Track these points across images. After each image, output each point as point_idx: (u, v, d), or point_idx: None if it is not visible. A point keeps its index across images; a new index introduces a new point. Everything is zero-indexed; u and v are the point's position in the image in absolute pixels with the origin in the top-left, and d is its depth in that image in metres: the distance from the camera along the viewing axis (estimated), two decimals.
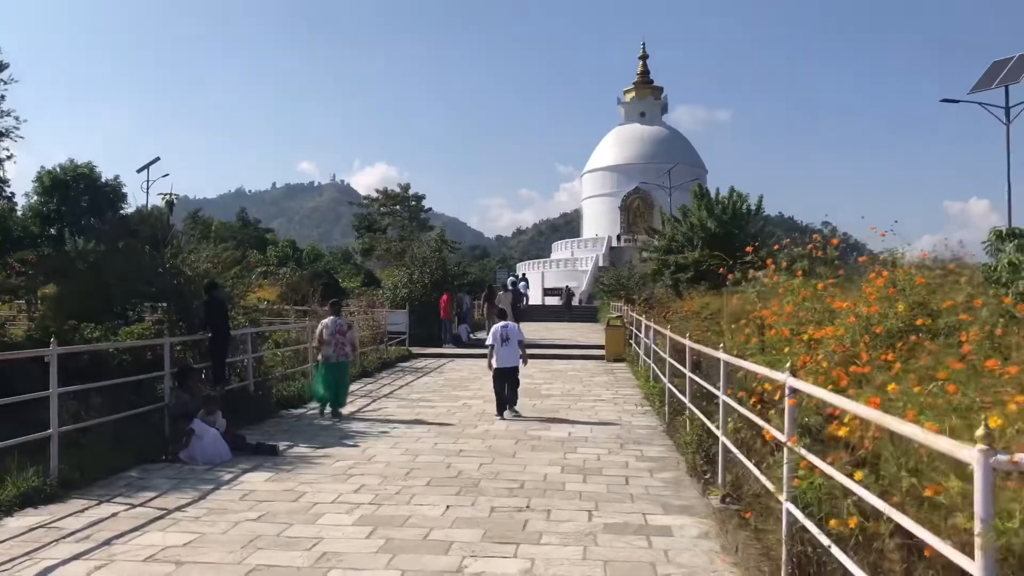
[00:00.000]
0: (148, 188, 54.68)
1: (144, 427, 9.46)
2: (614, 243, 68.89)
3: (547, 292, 52.94)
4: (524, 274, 55.72)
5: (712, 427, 7.69)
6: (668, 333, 11.81)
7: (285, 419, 12.05)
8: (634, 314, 21.38)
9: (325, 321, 12.57)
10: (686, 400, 9.61)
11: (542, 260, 74.53)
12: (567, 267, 65.33)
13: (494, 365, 12.36)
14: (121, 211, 61.81)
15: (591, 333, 32.29)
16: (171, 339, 10.43)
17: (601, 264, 62.28)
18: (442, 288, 25.66)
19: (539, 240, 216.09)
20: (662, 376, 12.41)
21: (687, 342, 9.75)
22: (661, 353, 12.75)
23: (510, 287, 38.06)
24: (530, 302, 34.60)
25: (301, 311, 22.45)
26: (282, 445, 9.77)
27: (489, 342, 12.78)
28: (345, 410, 12.66)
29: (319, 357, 12.35)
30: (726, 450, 7.03)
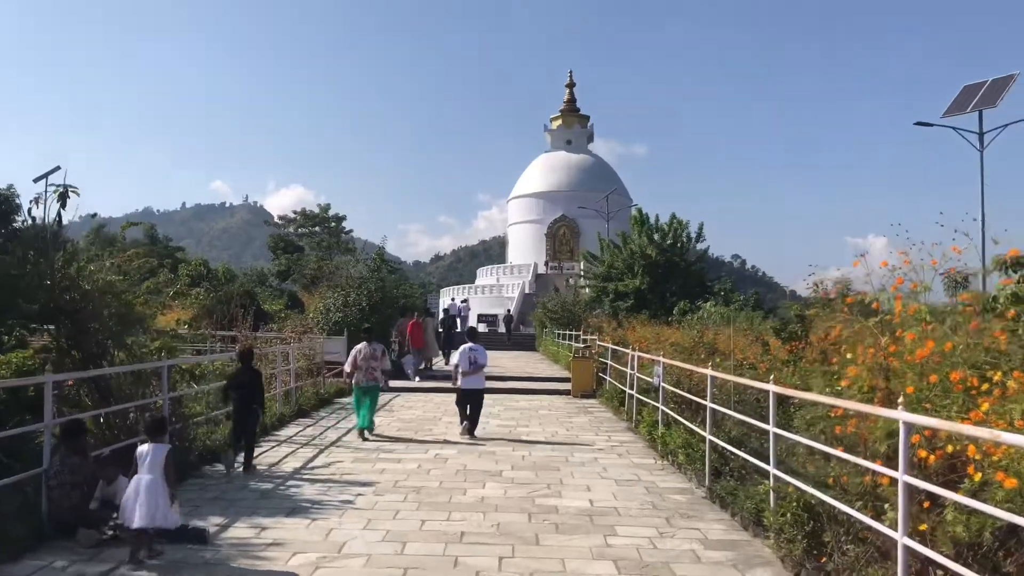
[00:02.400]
0: (47, 200, 50.07)
1: (17, 500, 6.64)
2: (540, 270, 67.57)
3: (480, 319, 50.48)
4: (466, 299, 53.01)
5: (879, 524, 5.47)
6: (721, 375, 9.56)
7: (210, 478, 9.26)
8: (606, 343, 19.19)
9: (359, 347, 12.86)
10: (770, 468, 7.39)
11: (466, 286, 72.44)
12: (493, 293, 63.41)
13: (459, 386, 12.78)
14: (14, 224, 56.71)
15: (537, 363, 30.05)
16: (55, 376, 7.61)
17: (528, 291, 60.67)
18: (381, 312, 22.95)
19: (457, 267, 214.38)
20: (688, 425, 10.20)
21: (771, 387, 7.53)
22: (695, 399, 10.55)
23: (441, 313, 35.49)
24: (469, 326, 32.18)
25: (230, 336, 19.37)
26: (212, 524, 7.08)
27: (455, 361, 13.25)
28: (289, 465, 9.99)
29: (351, 381, 12.84)
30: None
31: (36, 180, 35.79)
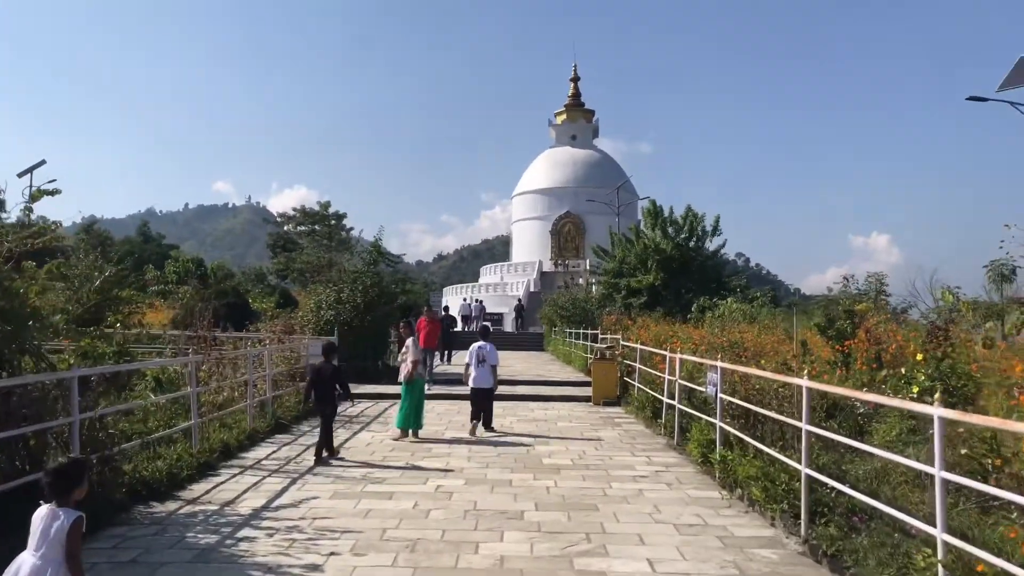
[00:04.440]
0: (32, 197, 47.93)
1: None
2: (546, 267, 65.43)
3: (484, 317, 48.19)
4: (480, 301, 50.43)
5: None
6: (824, 387, 7.22)
7: (137, 525, 6.95)
8: (631, 343, 16.85)
9: (411, 340, 12.36)
10: (936, 532, 5.05)
11: (469, 284, 70.26)
12: (497, 292, 61.19)
13: (469, 384, 12.75)
14: None
15: (548, 364, 27.74)
16: None
17: (533, 289, 58.51)
18: (377, 309, 20.63)
19: (460, 266, 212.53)
20: (772, 452, 7.89)
21: (937, 410, 5.10)
22: (776, 416, 8.23)
23: (442, 312, 32.96)
24: (482, 324, 29.85)
25: (193, 337, 17.00)
26: None
27: (466, 360, 13.11)
28: (248, 504, 7.71)
29: (403, 379, 12.11)
30: None
31: (21, 175, 32.68)
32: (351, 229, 77.52)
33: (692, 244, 41.48)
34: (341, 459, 10.21)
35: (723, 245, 42.67)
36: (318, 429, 12.69)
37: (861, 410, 11.21)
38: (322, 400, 10.36)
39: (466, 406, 15.51)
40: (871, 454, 6.58)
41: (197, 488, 8.37)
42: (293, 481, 8.81)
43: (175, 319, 26.92)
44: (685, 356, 11.87)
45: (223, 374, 11.99)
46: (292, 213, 77.55)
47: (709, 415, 10.30)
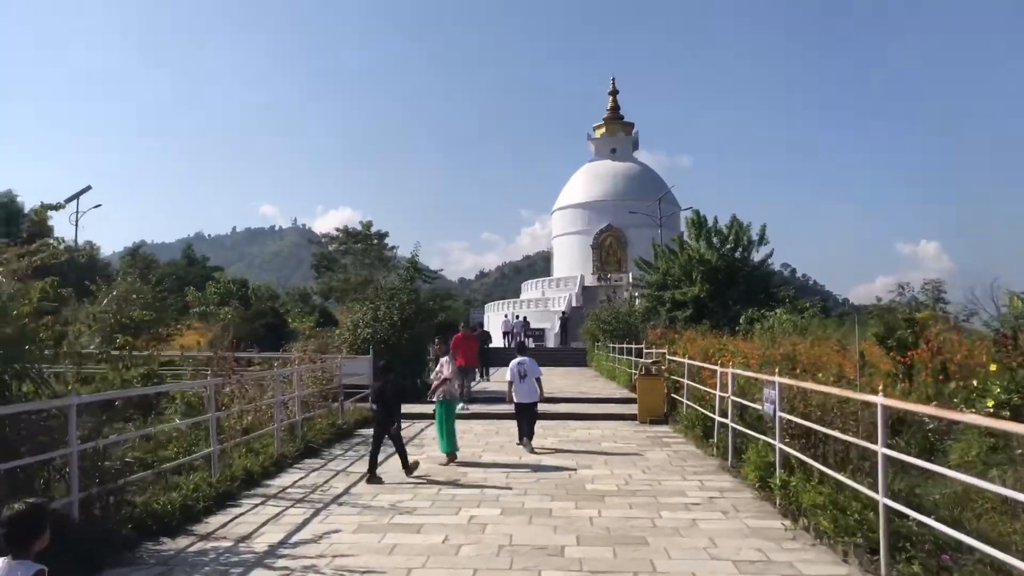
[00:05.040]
0: (78, 221, 48.59)
1: None
2: (588, 281, 64.57)
3: (526, 333, 47.53)
4: (526, 317, 49.66)
5: None
6: (913, 407, 6.50)
7: (144, 565, 6.39)
8: (678, 358, 16.00)
9: (445, 358, 11.93)
10: None
11: (510, 300, 69.67)
12: (538, 307, 60.47)
13: (514, 400, 12.85)
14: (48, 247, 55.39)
15: (591, 381, 26.93)
16: None
17: (575, 304, 57.67)
18: (414, 326, 20.07)
19: (502, 282, 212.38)
20: (843, 479, 7.06)
21: None
22: (846, 438, 7.38)
23: (477, 328, 32.32)
24: (518, 340, 29.17)
25: (214, 359, 16.53)
26: None
27: (508, 378, 13.13)
28: (264, 540, 7.11)
29: (438, 398, 11.58)
30: None
31: (68, 200, 33.21)
32: (393, 248, 77.68)
33: (738, 254, 40.34)
34: (418, 477, 10.00)
35: (771, 255, 41.42)
36: (350, 452, 12.24)
37: (931, 426, 10.30)
38: (391, 421, 10.34)
39: (505, 426, 14.90)
40: (944, 475, 5.80)
41: (213, 521, 7.81)
42: (317, 512, 8.20)
43: (213, 340, 26.78)
44: (737, 371, 11.02)
45: (248, 396, 11.48)
46: (335, 233, 77.90)
47: (766, 435, 9.49)
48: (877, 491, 5.92)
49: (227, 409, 10.35)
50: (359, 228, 77.23)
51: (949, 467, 7.88)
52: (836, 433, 7.42)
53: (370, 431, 14.47)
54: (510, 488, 9.30)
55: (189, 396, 12.59)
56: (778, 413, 8.45)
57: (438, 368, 11.87)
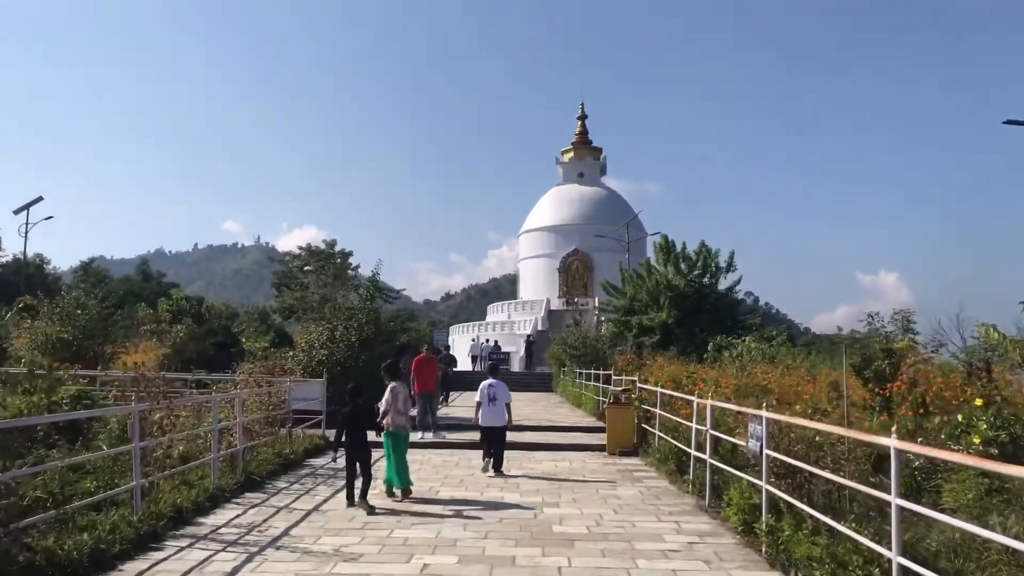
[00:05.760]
0: (27, 232, 46.74)
1: None
2: (553, 305, 64.07)
3: (490, 356, 46.59)
4: (496, 341, 48.77)
5: None
6: (939, 453, 5.74)
7: None
8: (649, 387, 15.26)
9: (396, 385, 10.82)
10: None
11: (476, 323, 68.85)
12: (504, 330, 59.69)
13: (480, 423, 12.63)
14: None
15: (557, 407, 26.14)
16: None
17: (540, 327, 57.01)
18: (373, 348, 19.09)
19: (468, 305, 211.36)
20: (851, 534, 6.31)
21: None
22: (860, 488, 6.63)
23: (441, 351, 31.45)
24: (490, 362, 28.13)
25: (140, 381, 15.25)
26: None
27: (476, 399, 12.82)
28: None
29: (389, 427, 10.55)
30: None
31: (17, 211, 31.85)
32: (358, 267, 76.44)
33: (706, 280, 40.02)
34: (372, 515, 9.13)
35: (738, 282, 41.17)
36: (296, 486, 11.26)
37: (917, 464, 9.68)
38: (361, 446, 9.87)
39: (467, 456, 14.03)
40: (936, 520, 5.12)
41: (129, 568, 6.81)
42: (250, 558, 7.23)
43: (161, 360, 25.51)
44: (718, 403, 10.29)
45: (180, 423, 10.45)
46: (297, 252, 76.48)
47: (747, 472, 8.76)
48: (886, 545, 5.19)
49: (156, 437, 9.29)
50: (322, 247, 76.03)
51: (943, 510, 7.23)
52: (843, 480, 6.69)
53: (320, 461, 13.58)
54: (470, 530, 8.42)
55: (124, 421, 11.56)
56: (765, 451, 7.70)
57: (386, 396, 10.95)
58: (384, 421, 10.52)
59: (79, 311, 23.53)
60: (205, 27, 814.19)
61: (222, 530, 8.38)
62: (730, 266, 40.40)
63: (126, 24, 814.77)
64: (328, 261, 74.03)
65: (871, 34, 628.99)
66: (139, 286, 60.56)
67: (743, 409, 9.03)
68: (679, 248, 40.71)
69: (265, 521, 8.82)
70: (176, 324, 34.42)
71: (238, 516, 9.07)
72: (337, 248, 75.86)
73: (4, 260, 52.44)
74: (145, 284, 62.06)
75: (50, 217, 46.55)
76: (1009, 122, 20.20)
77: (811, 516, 6.86)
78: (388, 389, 10.85)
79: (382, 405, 10.71)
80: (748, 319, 43.64)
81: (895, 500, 5.09)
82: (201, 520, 8.76)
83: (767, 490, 7.65)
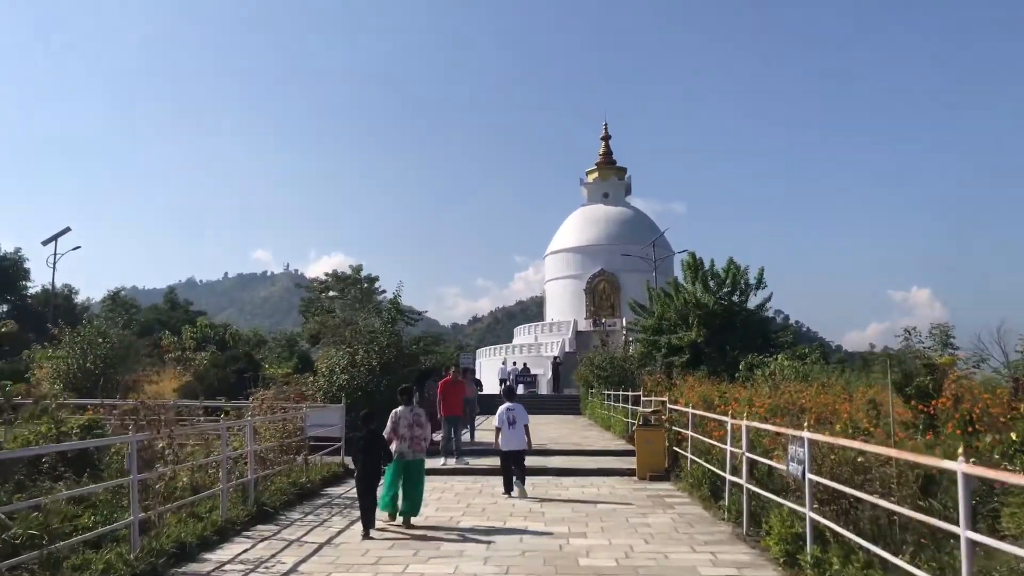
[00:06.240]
0: (55, 263, 47.18)
1: None
2: (581, 326, 63.42)
3: (518, 379, 46.10)
4: (525, 364, 48.98)
5: None
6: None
7: None
8: (680, 407, 14.63)
9: (399, 410, 10.65)
10: None
11: (503, 346, 68.36)
12: (531, 352, 59.14)
13: (501, 448, 12.50)
14: (24, 289, 53.87)
15: (585, 431, 25.49)
16: None
17: (568, 349, 56.38)
18: (395, 372, 18.61)
19: (495, 327, 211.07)
20: (875, 550, 5.67)
21: None
22: (918, 518, 6.01)
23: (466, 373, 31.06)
24: (506, 385, 27.45)
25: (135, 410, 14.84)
26: None
27: (496, 424, 12.77)
28: None
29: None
30: None
31: (45, 243, 31.92)
32: (384, 292, 76.42)
33: (735, 298, 39.24)
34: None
35: (769, 299, 40.25)
36: (310, 517, 10.77)
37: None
38: (376, 475, 9.84)
39: (490, 483, 13.48)
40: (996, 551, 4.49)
41: None
42: None
43: (184, 387, 25.28)
44: (754, 423, 9.66)
45: (185, 453, 10.01)
46: (324, 278, 76.71)
47: (786, 496, 8.13)
48: None
49: (159, 468, 8.83)
50: (348, 273, 76.14)
51: (1004, 538, 6.56)
52: (899, 508, 6.03)
53: (339, 490, 13.09)
54: (491, 565, 7.85)
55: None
56: (807, 475, 7.08)
57: (391, 422, 10.70)
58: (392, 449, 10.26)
59: (101, 340, 23.42)
60: (233, 55, 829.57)
61: (227, 567, 7.89)
62: (760, 283, 39.55)
63: (154, 56, 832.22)
64: (354, 286, 74.16)
65: (897, 38, 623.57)
66: (167, 315, 60.83)
67: (782, 430, 8.39)
68: (707, 266, 40.01)
69: (274, 556, 8.32)
70: (200, 351, 34.36)
71: (246, 551, 8.58)
72: (363, 273, 76.06)
73: (33, 291, 53.08)
74: (173, 313, 62.30)
75: (78, 247, 46.75)
76: None
77: (861, 546, 6.22)
78: (393, 414, 10.66)
79: (388, 431, 10.51)
80: (780, 337, 42.68)
81: (965, 532, 4.48)
82: (206, 556, 8.28)
83: (811, 518, 7.01)
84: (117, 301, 60.33)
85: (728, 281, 39.17)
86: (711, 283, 39.17)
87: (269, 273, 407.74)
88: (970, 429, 11.55)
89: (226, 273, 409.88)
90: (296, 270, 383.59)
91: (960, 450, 5.02)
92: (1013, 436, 9.98)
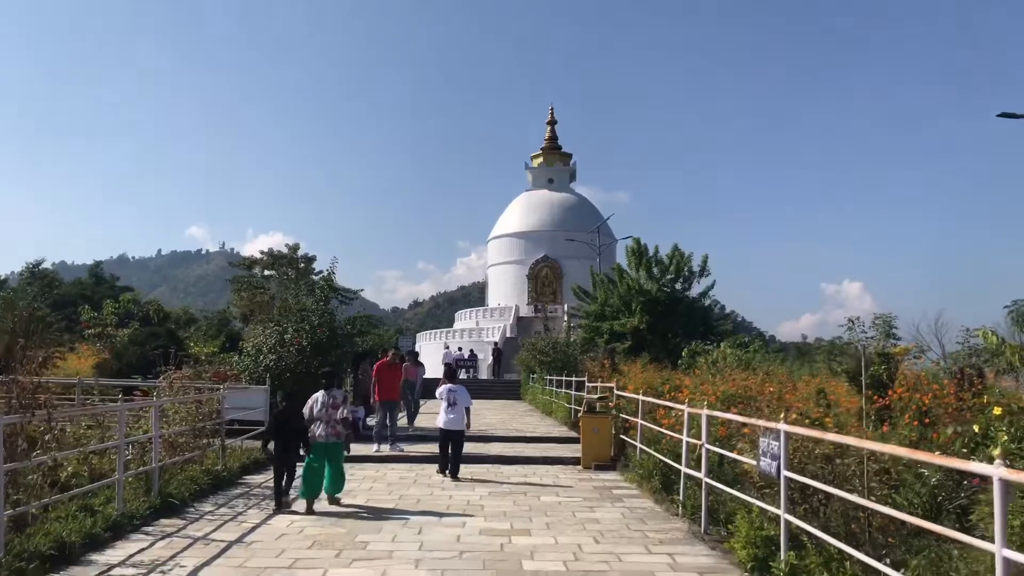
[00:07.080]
0: None
1: None
2: (522, 312, 62.81)
3: (458, 364, 45.15)
4: (472, 350, 48.32)
5: None
6: None
7: None
8: (628, 394, 13.87)
9: (317, 395, 10.36)
10: None
11: (443, 330, 67.33)
12: (472, 337, 58.28)
13: (440, 426, 12.39)
14: None
15: (526, 416, 24.73)
16: None
17: (509, 334, 55.67)
18: (327, 353, 17.41)
19: (436, 312, 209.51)
20: (868, 562, 4.90)
21: None
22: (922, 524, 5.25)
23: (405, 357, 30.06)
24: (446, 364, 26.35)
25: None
26: None
27: (438, 397, 12.67)
28: None
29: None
30: None
31: None
32: (321, 272, 74.28)
33: (679, 285, 39.02)
34: (308, 541, 7.16)
35: (711, 287, 40.14)
36: (223, 509, 9.66)
37: (935, 481, 8.41)
38: (288, 451, 9.78)
39: (427, 472, 12.57)
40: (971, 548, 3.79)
41: None
42: None
43: (100, 364, 23.65)
44: (715, 412, 8.89)
45: (72, 438, 8.78)
46: (259, 256, 74.26)
47: (748, 491, 7.40)
48: None
49: (38, 455, 7.61)
50: (285, 251, 73.82)
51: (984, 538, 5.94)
52: (911, 519, 5.20)
53: (259, 478, 11.98)
54: (422, 568, 6.91)
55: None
56: (783, 472, 6.30)
57: (308, 406, 10.32)
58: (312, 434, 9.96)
59: (4, 314, 21.69)
60: (170, 27, 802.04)
61: (115, 571, 6.77)
62: (704, 270, 39.40)
63: (86, 25, 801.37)
64: (290, 265, 71.93)
65: (832, 41, 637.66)
66: (91, 289, 58.11)
67: (753, 420, 7.61)
68: (651, 252, 39.64)
69: (172, 558, 7.21)
70: (122, 328, 32.50)
71: (141, 551, 7.46)
72: (300, 253, 73.83)
73: None
74: (97, 288, 59.51)
75: None
76: (1003, 115, 19.18)
77: (843, 553, 5.47)
78: (311, 399, 10.33)
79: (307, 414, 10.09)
80: (721, 325, 42.74)
81: (1001, 551, 3.70)
82: (93, 557, 7.14)
83: (786, 520, 6.24)
84: (36, 274, 57.26)
85: (672, 268, 38.91)
86: (655, 269, 38.88)
87: (204, 251, 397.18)
88: (927, 420, 11.10)
89: (159, 250, 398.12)
90: (232, 248, 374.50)
91: (997, 451, 4.25)
92: (976, 428, 9.47)
